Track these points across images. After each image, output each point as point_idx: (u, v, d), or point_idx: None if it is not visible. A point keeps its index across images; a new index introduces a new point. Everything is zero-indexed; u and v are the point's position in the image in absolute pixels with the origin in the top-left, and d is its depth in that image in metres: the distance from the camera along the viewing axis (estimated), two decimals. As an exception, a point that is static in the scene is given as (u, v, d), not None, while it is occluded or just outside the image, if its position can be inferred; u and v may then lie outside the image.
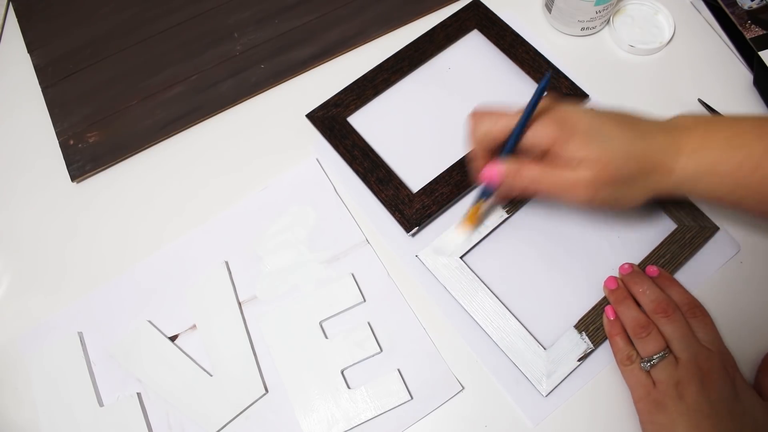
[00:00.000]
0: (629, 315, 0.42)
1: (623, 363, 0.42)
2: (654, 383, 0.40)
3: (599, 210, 0.40)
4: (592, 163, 0.37)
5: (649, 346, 0.41)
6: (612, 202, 0.39)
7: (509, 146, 0.40)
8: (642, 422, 0.41)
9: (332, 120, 0.53)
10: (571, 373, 0.44)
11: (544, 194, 0.39)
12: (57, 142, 0.55)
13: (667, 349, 0.41)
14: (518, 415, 0.44)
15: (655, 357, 0.40)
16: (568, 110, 0.39)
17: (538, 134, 0.39)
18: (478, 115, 0.41)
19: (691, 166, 0.38)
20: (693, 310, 0.43)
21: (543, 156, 0.39)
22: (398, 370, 0.45)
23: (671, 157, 0.38)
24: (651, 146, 0.38)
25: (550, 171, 0.38)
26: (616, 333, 0.43)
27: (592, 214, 0.48)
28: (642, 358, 0.41)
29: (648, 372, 0.41)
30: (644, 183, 0.39)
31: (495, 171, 0.40)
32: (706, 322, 0.42)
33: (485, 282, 0.46)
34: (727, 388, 0.39)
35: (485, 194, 0.44)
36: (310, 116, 0.53)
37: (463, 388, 0.45)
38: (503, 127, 0.40)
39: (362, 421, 0.44)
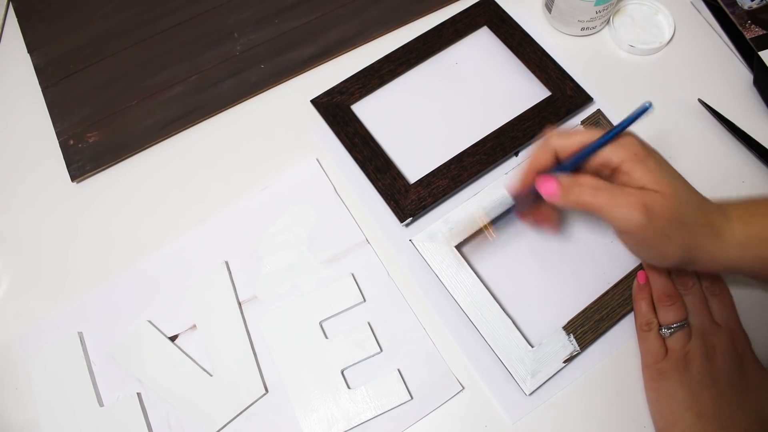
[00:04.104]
0: (659, 282, 0.44)
1: (642, 328, 0.44)
2: (666, 353, 0.42)
3: (642, 246, 0.38)
4: (657, 193, 0.35)
5: (670, 314, 0.42)
6: (659, 241, 0.36)
7: (576, 158, 0.38)
8: (646, 388, 0.43)
9: (336, 107, 0.53)
10: (555, 374, 0.44)
11: (598, 207, 0.36)
12: (57, 142, 0.55)
13: (686, 321, 0.42)
14: (503, 413, 0.44)
15: (674, 325, 0.42)
16: (644, 143, 0.38)
17: (613, 151, 0.37)
18: (552, 133, 0.40)
19: (740, 233, 0.36)
20: (713, 288, 0.44)
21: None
22: (398, 370, 0.45)
23: (720, 222, 0.37)
24: (708, 204, 0.37)
25: (611, 184, 0.36)
26: (642, 297, 0.44)
27: (601, 229, 0.49)
28: (661, 325, 0.43)
29: (663, 340, 0.42)
30: (691, 236, 0.36)
31: (553, 180, 0.38)
32: (723, 301, 0.44)
33: (478, 273, 0.47)
34: (731, 364, 0.41)
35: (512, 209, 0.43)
36: (315, 102, 0.53)
37: (463, 388, 0.45)
38: (578, 142, 0.38)
39: (362, 421, 0.44)
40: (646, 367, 0.43)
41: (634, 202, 0.35)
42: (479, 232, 0.46)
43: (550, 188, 0.38)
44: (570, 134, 0.38)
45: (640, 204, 0.35)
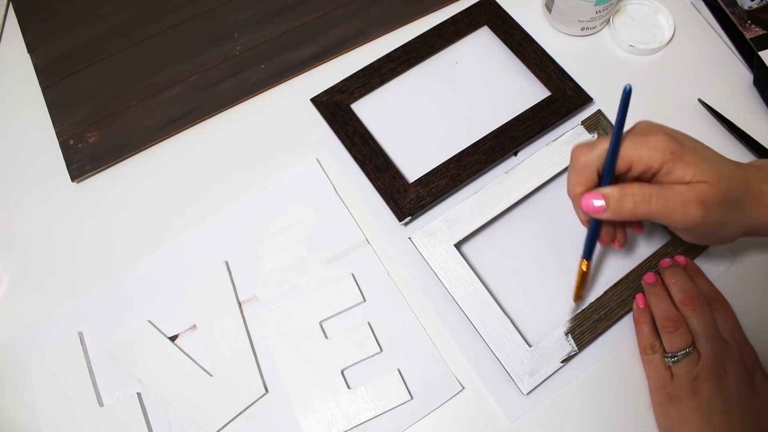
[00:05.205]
0: (661, 307, 0.43)
1: (645, 352, 0.43)
2: (672, 375, 0.41)
3: (703, 236, 0.38)
4: (705, 183, 0.35)
5: (676, 341, 0.41)
6: (719, 227, 0.36)
7: (608, 167, 0.37)
8: (655, 413, 0.42)
9: (336, 105, 0.53)
10: (553, 374, 0.44)
11: (654, 214, 0.36)
12: (57, 142, 0.55)
13: (692, 345, 0.41)
14: (500, 412, 0.44)
15: (680, 353, 0.41)
16: (670, 129, 0.37)
17: (651, 156, 0.36)
18: (578, 147, 0.38)
19: None
20: (714, 302, 0.43)
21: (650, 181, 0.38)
22: (398, 370, 0.45)
23: (764, 188, 0.37)
24: (749, 173, 0.37)
25: (660, 187, 0.36)
26: (643, 321, 0.44)
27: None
28: (666, 353, 0.42)
29: (669, 366, 0.41)
30: (745, 211, 0.37)
31: (597, 195, 0.37)
32: (727, 315, 0.43)
33: (477, 272, 0.47)
34: (743, 385, 0.40)
35: (589, 251, 0.42)
36: (315, 100, 0.53)
37: (463, 388, 0.45)
38: (604, 150, 0.37)
39: (362, 421, 0.44)
40: (654, 391, 0.42)
41: (688, 199, 0.35)
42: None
43: (597, 205, 0.37)
44: (593, 145, 0.37)
45: (694, 200, 0.35)
